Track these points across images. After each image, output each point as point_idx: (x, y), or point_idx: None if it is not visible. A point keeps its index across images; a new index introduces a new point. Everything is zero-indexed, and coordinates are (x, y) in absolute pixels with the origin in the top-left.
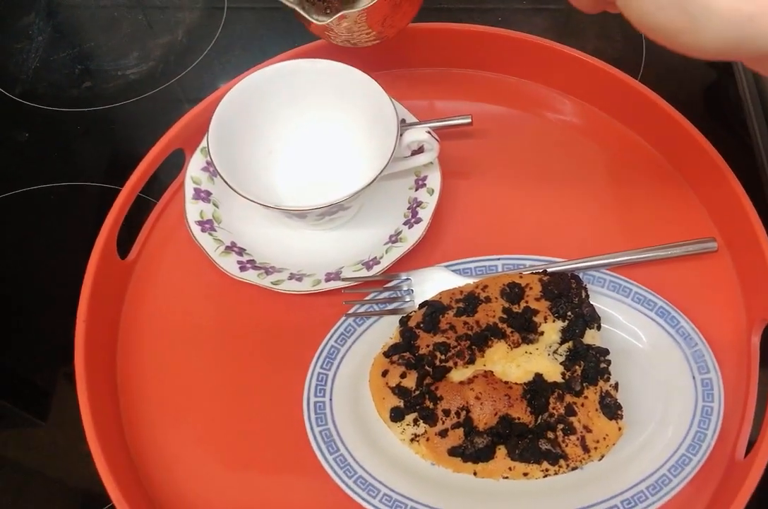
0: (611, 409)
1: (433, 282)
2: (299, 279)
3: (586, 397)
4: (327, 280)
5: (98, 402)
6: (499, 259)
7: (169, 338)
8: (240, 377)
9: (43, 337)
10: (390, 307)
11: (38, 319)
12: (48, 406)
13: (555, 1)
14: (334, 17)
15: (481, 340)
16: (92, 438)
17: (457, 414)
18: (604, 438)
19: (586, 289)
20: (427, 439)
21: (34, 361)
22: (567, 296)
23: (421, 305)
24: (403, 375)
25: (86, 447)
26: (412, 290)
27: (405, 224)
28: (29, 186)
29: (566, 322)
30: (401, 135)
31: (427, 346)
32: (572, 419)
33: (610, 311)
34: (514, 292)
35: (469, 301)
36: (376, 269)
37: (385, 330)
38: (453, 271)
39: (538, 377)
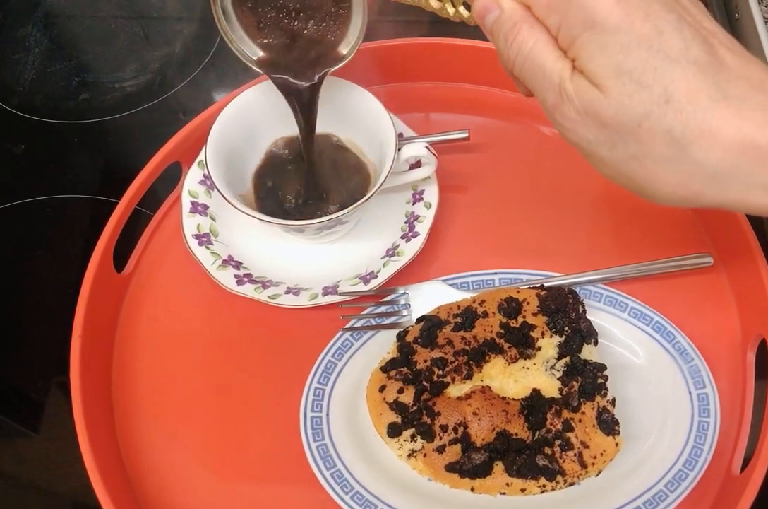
0: (608, 425)
1: (430, 296)
2: (296, 293)
3: (583, 413)
4: (324, 294)
5: (93, 416)
6: (496, 273)
7: (165, 351)
8: (236, 392)
9: (37, 350)
10: (387, 321)
11: (32, 331)
12: (41, 418)
13: None
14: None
15: (478, 355)
16: (87, 453)
17: (455, 429)
18: (602, 454)
19: (583, 304)
20: (425, 455)
21: (28, 373)
22: (564, 311)
23: (419, 320)
24: (400, 391)
25: (80, 460)
26: (409, 305)
27: (402, 238)
28: (25, 198)
29: (563, 337)
30: (399, 150)
31: (425, 361)
32: (569, 435)
33: (607, 326)
34: (511, 307)
35: (467, 316)
36: (374, 283)
37: (383, 345)
38: (450, 285)
39: (536, 392)
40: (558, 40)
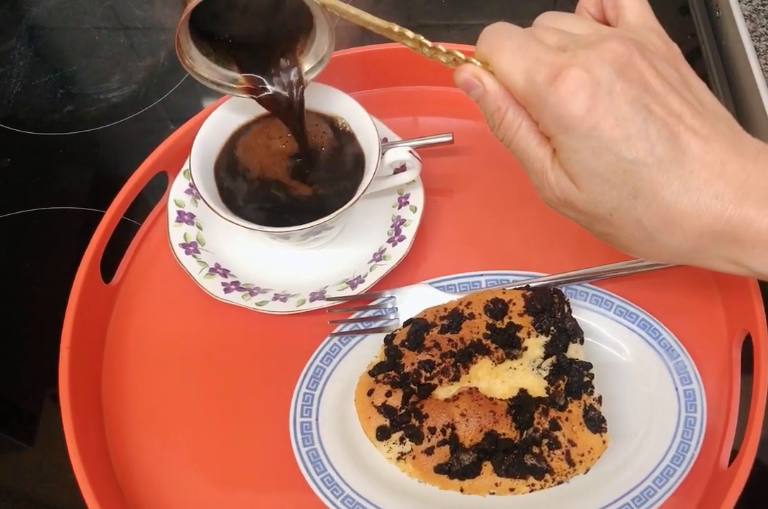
0: (595, 423)
1: (417, 299)
2: (284, 300)
3: (570, 411)
4: (311, 300)
5: (83, 427)
6: (482, 275)
7: (155, 361)
8: (226, 399)
9: (29, 361)
10: (375, 325)
11: (24, 344)
12: (35, 430)
13: (533, 16)
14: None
15: (465, 357)
16: (77, 464)
17: (443, 431)
18: (589, 452)
19: (568, 303)
20: (414, 457)
21: (20, 386)
22: (550, 310)
23: (406, 323)
24: (388, 394)
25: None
26: (396, 308)
27: (389, 241)
28: (12, 211)
29: (549, 337)
30: (383, 154)
31: (412, 364)
32: (557, 433)
33: (593, 325)
34: (497, 308)
35: (453, 318)
36: (361, 288)
37: (370, 349)
38: (437, 288)
39: (523, 392)
40: (539, 126)
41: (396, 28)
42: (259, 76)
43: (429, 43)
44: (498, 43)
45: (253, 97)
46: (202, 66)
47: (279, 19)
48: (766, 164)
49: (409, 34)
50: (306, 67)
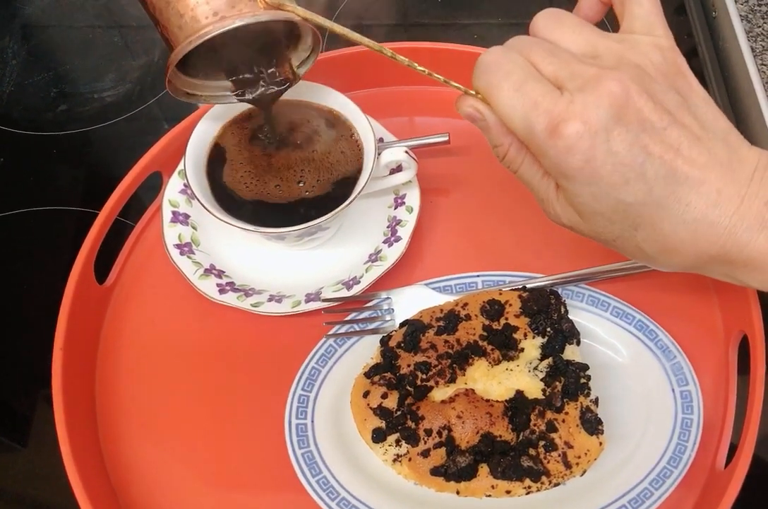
0: (592, 424)
1: (413, 301)
2: (279, 301)
3: (566, 413)
4: (307, 301)
5: (76, 429)
6: (479, 276)
7: (149, 362)
8: (221, 401)
9: (22, 362)
10: (370, 327)
11: (16, 344)
12: (28, 432)
13: (530, 15)
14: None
15: (461, 358)
16: (70, 466)
17: (439, 433)
18: (586, 454)
19: (565, 304)
20: (410, 459)
21: (13, 386)
22: (546, 312)
23: (402, 325)
24: (384, 396)
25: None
26: (392, 309)
27: (385, 242)
28: (5, 211)
29: (546, 338)
30: (379, 155)
31: (408, 366)
32: (553, 435)
33: (590, 326)
34: (494, 309)
35: (450, 319)
36: (357, 289)
37: (366, 350)
38: (433, 289)
39: (519, 394)
40: (541, 164)
41: (388, 52)
42: (250, 77)
43: (425, 70)
44: (495, 83)
45: (244, 100)
46: (196, 89)
47: (264, 28)
48: (759, 185)
49: (402, 58)
50: (296, 61)
